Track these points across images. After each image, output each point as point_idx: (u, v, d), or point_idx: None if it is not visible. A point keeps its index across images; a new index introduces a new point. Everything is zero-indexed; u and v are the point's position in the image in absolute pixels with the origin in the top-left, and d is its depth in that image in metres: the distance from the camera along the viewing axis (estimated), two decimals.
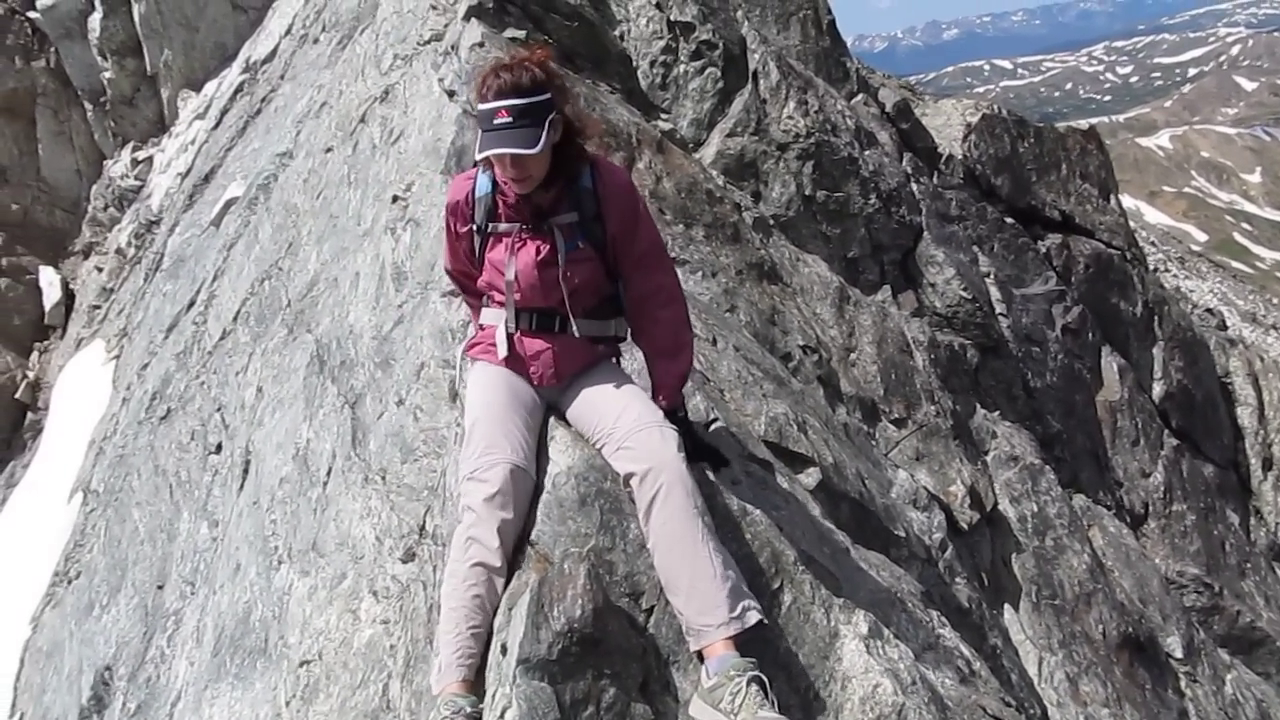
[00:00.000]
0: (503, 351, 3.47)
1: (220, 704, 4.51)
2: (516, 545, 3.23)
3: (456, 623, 3.14)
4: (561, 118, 3.29)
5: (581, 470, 3.33)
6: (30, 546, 10.25)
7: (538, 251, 3.39)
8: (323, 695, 3.75)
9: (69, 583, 8.58)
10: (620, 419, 3.30)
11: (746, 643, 3.06)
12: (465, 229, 3.54)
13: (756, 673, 2.93)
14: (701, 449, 3.59)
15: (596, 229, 3.42)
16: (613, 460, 3.30)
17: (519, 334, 3.46)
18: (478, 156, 3.28)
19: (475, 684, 3.11)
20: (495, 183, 3.43)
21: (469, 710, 3.03)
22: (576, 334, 3.46)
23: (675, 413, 3.50)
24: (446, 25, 7.36)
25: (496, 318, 3.53)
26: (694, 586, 3.06)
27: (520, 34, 7.04)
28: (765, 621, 3.12)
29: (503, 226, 3.44)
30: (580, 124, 3.41)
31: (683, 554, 3.08)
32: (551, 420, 3.50)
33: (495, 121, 3.19)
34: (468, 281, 3.72)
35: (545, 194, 3.37)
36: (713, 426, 4.20)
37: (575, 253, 3.40)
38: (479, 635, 3.14)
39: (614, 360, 3.67)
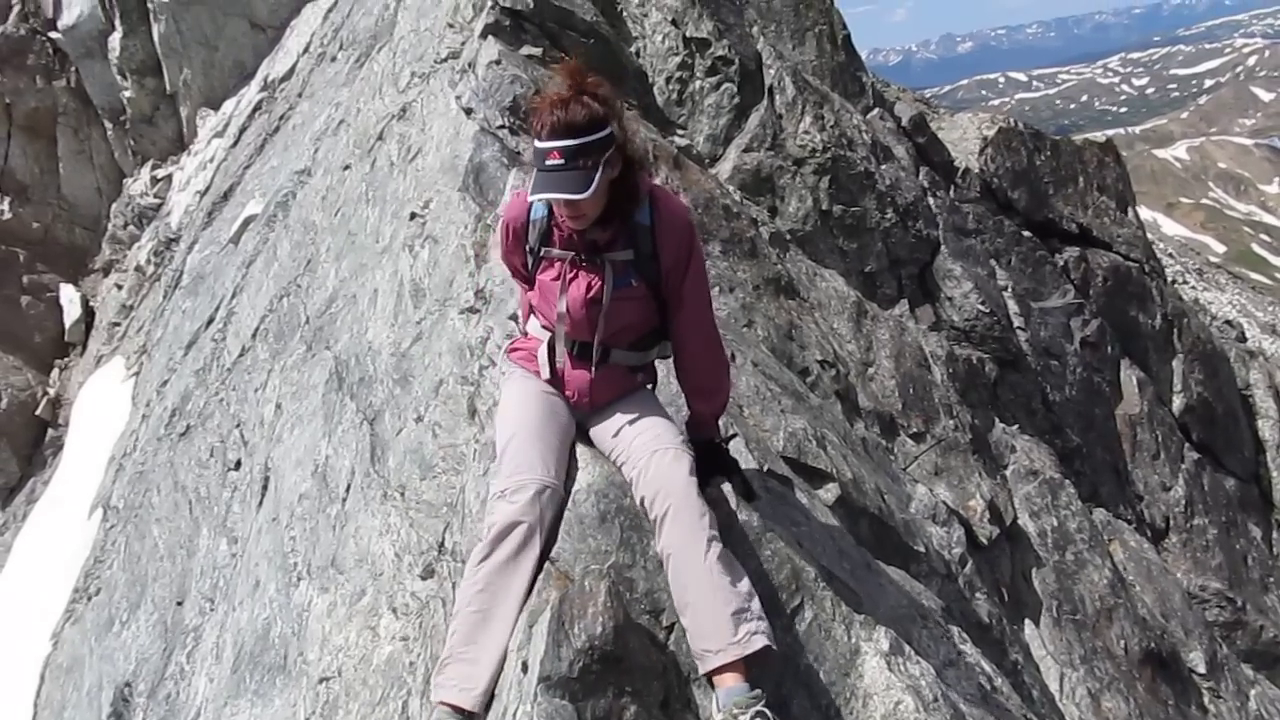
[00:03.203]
0: (546, 374, 3.49)
1: None
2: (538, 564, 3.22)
3: (461, 635, 3.15)
4: (620, 153, 3.21)
5: (602, 487, 3.34)
6: (51, 562, 10.31)
7: (588, 288, 3.35)
8: (342, 712, 3.75)
9: (89, 599, 8.62)
10: (636, 441, 3.31)
11: (765, 663, 3.04)
12: (519, 246, 3.51)
13: (761, 708, 2.88)
14: (733, 476, 3.60)
15: (651, 266, 3.36)
16: (629, 483, 3.31)
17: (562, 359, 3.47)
18: (530, 198, 3.21)
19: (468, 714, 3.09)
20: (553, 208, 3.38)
21: None
22: (612, 367, 3.46)
23: (712, 440, 3.53)
24: (464, 43, 7.40)
25: (542, 334, 3.53)
26: (696, 610, 3.05)
27: (537, 51, 7.07)
28: (774, 647, 3.05)
29: (556, 252, 3.40)
30: (639, 156, 3.34)
31: (686, 577, 3.07)
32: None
33: (547, 163, 3.10)
34: (524, 270, 3.66)
35: (602, 232, 3.31)
36: (730, 441, 4.21)
37: (624, 290, 3.35)
38: (472, 656, 3.12)
39: (649, 386, 3.67)
